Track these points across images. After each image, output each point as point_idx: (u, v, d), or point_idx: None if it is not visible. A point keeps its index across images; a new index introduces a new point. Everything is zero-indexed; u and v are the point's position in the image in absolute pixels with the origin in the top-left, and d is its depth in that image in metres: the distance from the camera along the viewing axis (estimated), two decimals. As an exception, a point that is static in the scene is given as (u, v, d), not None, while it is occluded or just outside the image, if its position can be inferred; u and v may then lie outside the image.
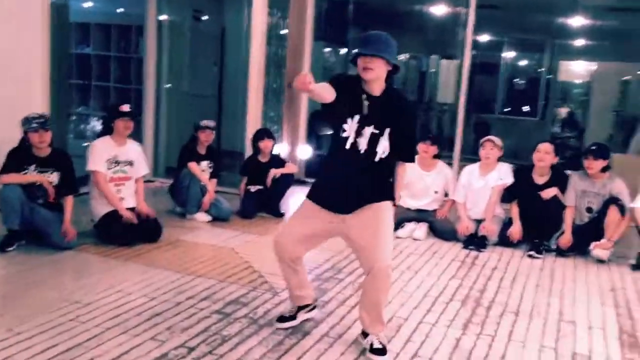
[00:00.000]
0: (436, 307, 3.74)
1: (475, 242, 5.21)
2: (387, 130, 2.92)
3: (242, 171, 5.99)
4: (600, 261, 5.00)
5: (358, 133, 2.90)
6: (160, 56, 7.47)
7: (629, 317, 3.81)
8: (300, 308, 3.32)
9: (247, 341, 3.06)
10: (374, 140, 2.91)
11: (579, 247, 5.14)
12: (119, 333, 3.04)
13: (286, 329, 3.24)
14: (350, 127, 2.91)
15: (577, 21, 10.10)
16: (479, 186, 5.41)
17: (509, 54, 12.37)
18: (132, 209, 4.70)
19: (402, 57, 11.87)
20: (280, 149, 6.82)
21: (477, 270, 4.61)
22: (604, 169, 5.11)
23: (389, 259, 2.96)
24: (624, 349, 3.31)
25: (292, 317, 3.30)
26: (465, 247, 5.19)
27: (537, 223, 5.26)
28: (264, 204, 5.89)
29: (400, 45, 2.92)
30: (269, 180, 5.81)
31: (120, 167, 4.71)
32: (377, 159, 2.93)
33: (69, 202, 4.47)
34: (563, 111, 12.52)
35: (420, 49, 11.97)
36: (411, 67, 12.10)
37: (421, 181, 5.56)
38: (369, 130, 2.91)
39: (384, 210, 3.00)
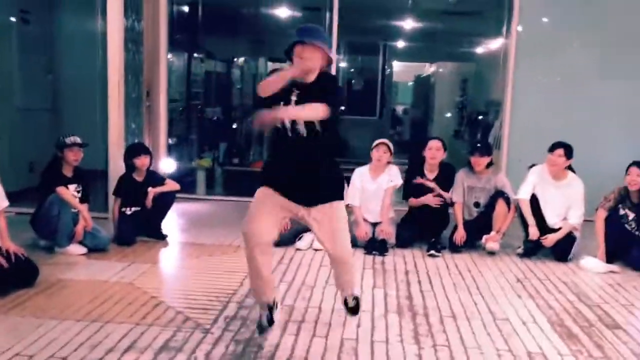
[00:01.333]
0: (378, 323, 3.57)
1: (377, 246, 5.14)
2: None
3: (116, 192, 5.30)
4: (492, 253, 5.22)
5: (293, 122, 2.94)
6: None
7: (549, 307, 3.97)
8: (270, 308, 3.21)
9: (206, 395, 2.63)
10: (310, 124, 2.94)
11: (470, 241, 5.33)
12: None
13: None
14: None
15: (408, 24, 10.68)
16: (372, 189, 5.37)
17: (346, 56, 12.70)
18: (-4, 250, 3.88)
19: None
20: (167, 164, 6.23)
21: (392, 275, 4.54)
22: (488, 165, 5.36)
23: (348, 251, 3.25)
24: (565, 341, 3.41)
25: (268, 324, 3.22)
26: (368, 252, 5.11)
27: (428, 221, 5.38)
28: (142, 226, 5.29)
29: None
30: (149, 201, 5.22)
31: (-24, 200, 3.87)
32: (319, 136, 2.97)
33: None
34: (400, 109, 13.21)
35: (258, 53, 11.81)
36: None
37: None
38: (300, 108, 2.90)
39: (340, 209, 3.16)
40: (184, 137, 8.83)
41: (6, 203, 4.12)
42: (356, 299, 3.44)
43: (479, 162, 5.27)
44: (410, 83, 14.11)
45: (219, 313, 3.61)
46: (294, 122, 2.95)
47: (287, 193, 3.06)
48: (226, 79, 11.07)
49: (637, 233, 5.01)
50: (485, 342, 3.34)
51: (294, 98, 2.94)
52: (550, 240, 5.11)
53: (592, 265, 4.90)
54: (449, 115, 9.81)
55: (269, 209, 3.06)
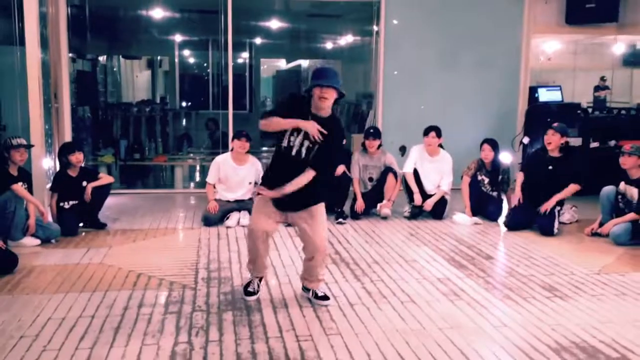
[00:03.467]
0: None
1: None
2: (317, 146, 3.61)
3: (53, 187, 5.73)
4: (385, 218, 6.44)
5: (301, 144, 3.62)
6: None
7: (440, 250, 5.24)
8: (259, 280, 3.95)
9: (227, 314, 3.45)
10: (309, 150, 3.63)
11: (367, 210, 6.51)
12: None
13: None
14: (296, 140, 3.61)
15: (274, 24, 11.68)
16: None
17: (214, 53, 13.37)
18: (-24, 243, 4.30)
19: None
20: None
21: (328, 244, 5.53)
22: (379, 146, 6.55)
23: (326, 243, 3.83)
24: (459, 269, 4.67)
25: (255, 292, 3.94)
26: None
27: (332, 192, 6.44)
28: (81, 218, 5.78)
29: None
30: (87, 195, 5.73)
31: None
32: (309, 162, 3.65)
33: None
34: (269, 102, 14.20)
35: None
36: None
37: (236, 175, 6.21)
38: (307, 143, 3.62)
39: (320, 209, 3.79)
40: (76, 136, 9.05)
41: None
42: (324, 293, 3.91)
43: (373, 144, 6.45)
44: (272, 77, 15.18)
45: (195, 277, 4.38)
46: (301, 144, 3.58)
47: (278, 205, 3.72)
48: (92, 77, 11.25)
49: (491, 193, 6.49)
50: (406, 275, 4.48)
51: (298, 140, 3.60)
52: (428, 204, 6.44)
53: (461, 219, 6.30)
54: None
55: (266, 212, 3.75)
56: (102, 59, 11.40)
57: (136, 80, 11.99)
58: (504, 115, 8.34)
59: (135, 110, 9.75)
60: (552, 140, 5.95)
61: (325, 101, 3.54)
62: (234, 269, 4.58)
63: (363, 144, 6.55)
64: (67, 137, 7.55)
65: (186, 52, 12.31)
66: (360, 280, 4.36)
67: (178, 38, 11.45)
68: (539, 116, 7.83)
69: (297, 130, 3.61)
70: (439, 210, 6.47)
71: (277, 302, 3.86)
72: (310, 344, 3.23)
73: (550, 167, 5.96)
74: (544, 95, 8.17)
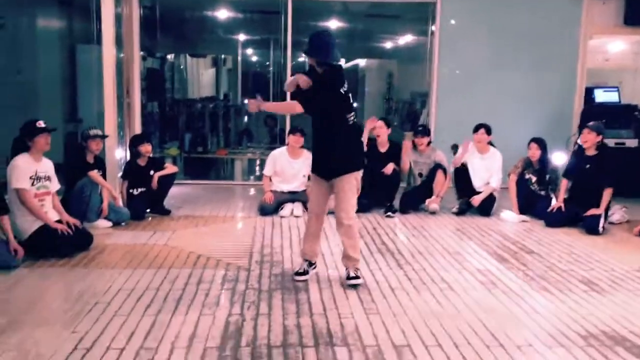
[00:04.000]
0: (369, 260, 4.84)
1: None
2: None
3: (124, 175, 6.25)
4: (433, 213, 6.65)
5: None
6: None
7: (484, 245, 5.42)
8: (310, 264, 4.30)
9: (276, 292, 3.79)
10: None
11: (416, 205, 6.73)
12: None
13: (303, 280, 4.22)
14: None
15: (333, 24, 11.98)
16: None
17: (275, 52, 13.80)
18: (58, 222, 4.79)
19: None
20: None
21: (365, 232, 5.82)
22: (429, 143, 6.77)
23: (351, 217, 4.15)
24: (501, 262, 4.85)
25: (305, 272, 4.27)
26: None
27: (383, 188, 6.70)
28: (149, 204, 6.27)
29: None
30: (154, 183, 6.21)
31: (42, 182, 4.77)
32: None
33: (6, 221, 4.43)
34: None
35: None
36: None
37: (291, 168, 6.57)
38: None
39: (349, 184, 4.14)
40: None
41: (59, 185, 5.03)
42: (355, 274, 4.16)
43: (422, 141, 6.68)
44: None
45: (249, 259, 4.74)
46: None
47: (319, 172, 4.19)
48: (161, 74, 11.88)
49: (539, 192, 6.58)
50: (447, 265, 4.71)
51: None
52: (476, 199, 6.59)
53: (509, 217, 6.43)
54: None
55: (316, 193, 4.24)
56: (170, 57, 12.07)
57: (201, 78, 12.58)
58: (559, 116, 8.37)
59: (199, 106, 10.28)
60: (588, 139, 6.01)
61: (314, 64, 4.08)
62: (285, 255, 4.92)
63: (413, 142, 6.78)
64: (137, 130, 8.10)
65: (249, 51, 12.81)
66: (403, 268, 4.62)
67: (241, 37, 11.95)
68: (595, 117, 7.76)
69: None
70: (487, 207, 6.62)
71: (324, 284, 4.17)
72: (350, 321, 3.52)
73: (587, 166, 6.03)
74: (601, 97, 8.16)
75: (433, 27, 8.43)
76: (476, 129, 6.65)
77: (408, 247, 5.24)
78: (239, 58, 12.16)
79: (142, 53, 10.63)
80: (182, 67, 11.98)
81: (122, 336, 3.22)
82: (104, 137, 5.82)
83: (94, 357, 2.96)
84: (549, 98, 8.39)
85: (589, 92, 8.26)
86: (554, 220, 6.08)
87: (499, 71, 8.35)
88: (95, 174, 5.59)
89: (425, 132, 6.75)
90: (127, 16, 7.72)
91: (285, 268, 4.53)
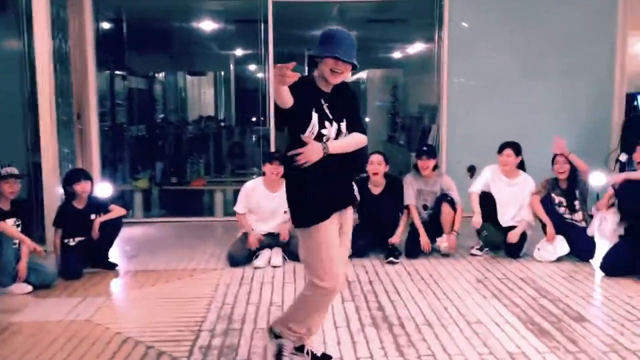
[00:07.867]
0: (357, 338, 3.53)
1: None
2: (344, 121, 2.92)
3: (56, 222, 4.98)
4: (446, 255, 5.32)
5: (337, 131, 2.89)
6: None
7: (515, 305, 4.07)
8: (300, 349, 3.08)
9: None
10: (338, 132, 2.90)
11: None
12: None
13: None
14: (330, 129, 2.86)
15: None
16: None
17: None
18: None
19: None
20: (104, 189, 5.90)
21: (358, 286, 4.51)
22: (434, 167, 5.44)
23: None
24: (540, 338, 3.50)
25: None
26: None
27: (380, 230, 5.39)
28: (89, 257, 5.01)
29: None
30: (95, 231, 4.95)
31: None
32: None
33: None
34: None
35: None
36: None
37: (269, 203, 5.29)
38: (335, 125, 2.88)
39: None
40: (112, 158, 8.46)
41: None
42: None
43: (427, 164, 5.35)
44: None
45: (193, 344, 3.45)
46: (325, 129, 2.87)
47: (335, 203, 2.98)
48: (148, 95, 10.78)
49: (574, 222, 5.20)
50: (466, 347, 3.37)
51: (325, 105, 2.85)
52: (514, 234, 5.21)
53: (544, 255, 5.09)
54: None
55: (336, 239, 2.98)
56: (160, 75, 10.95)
57: (177, 98, 11.42)
58: (595, 128, 7.00)
59: (173, 129, 9.07)
60: None
61: (339, 76, 2.81)
62: (244, 332, 3.62)
63: (415, 165, 5.47)
64: (95, 161, 6.88)
65: (234, 66, 11.58)
66: (403, 353, 3.29)
67: (224, 52, 10.74)
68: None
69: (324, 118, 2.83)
70: (517, 247, 5.26)
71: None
72: None
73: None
74: (646, 104, 6.81)
75: (440, 31, 7.13)
76: (501, 149, 5.33)
77: (412, 314, 3.91)
78: (222, 73, 10.94)
79: (121, 72, 9.65)
80: (153, 86, 10.79)
81: None
82: (20, 176, 4.57)
83: None
84: (581, 108, 7.05)
85: (631, 99, 6.90)
86: (614, 265, 4.66)
87: (521, 79, 7.05)
88: (5, 225, 4.34)
89: (431, 153, 5.42)
90: (76, 31, 6.49)
91: (237, 358, 3.23)
